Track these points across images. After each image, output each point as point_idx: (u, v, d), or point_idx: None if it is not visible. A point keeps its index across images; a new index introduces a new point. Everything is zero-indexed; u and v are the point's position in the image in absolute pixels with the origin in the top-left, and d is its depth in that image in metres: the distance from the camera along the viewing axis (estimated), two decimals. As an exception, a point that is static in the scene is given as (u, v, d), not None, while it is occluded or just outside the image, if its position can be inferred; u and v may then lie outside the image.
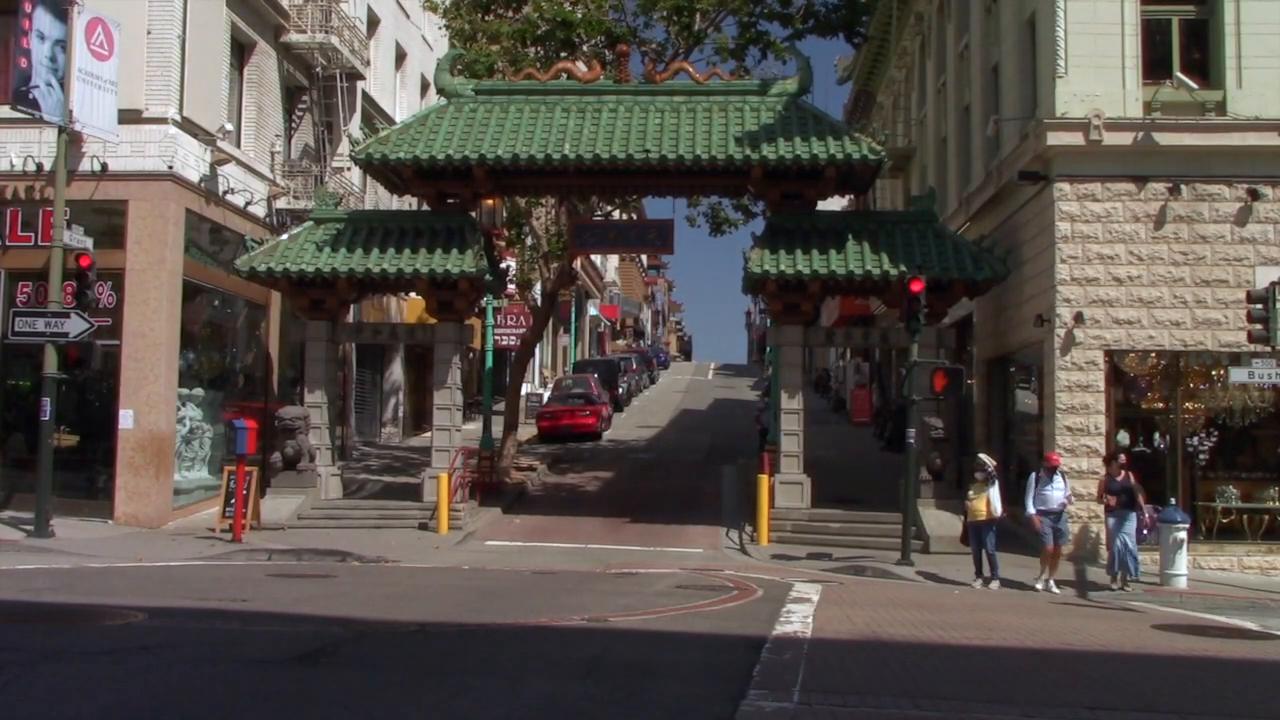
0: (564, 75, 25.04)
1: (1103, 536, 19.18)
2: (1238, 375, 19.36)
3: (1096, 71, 20.48)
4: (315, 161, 29.32)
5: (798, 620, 12.05)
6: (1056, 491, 18.15)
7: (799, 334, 24.03)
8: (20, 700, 7.89)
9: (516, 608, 13.22)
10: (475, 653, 10.24)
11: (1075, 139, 20.46)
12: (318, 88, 29.60)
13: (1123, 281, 20.55)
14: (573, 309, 57.83)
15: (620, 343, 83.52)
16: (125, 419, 22.08)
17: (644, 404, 53.38)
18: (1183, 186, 20.50)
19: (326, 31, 28.26)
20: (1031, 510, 18.15)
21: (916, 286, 20.48)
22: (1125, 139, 20.48)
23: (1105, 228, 20.66)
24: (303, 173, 28.45)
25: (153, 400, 22.19)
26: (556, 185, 26.27)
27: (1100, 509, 18.95)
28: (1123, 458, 18.75)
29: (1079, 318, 20.48)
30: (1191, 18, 21.07)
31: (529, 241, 33.52)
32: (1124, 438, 20.59)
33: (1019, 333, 23.04)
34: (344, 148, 29.02)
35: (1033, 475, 18.63)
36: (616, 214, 33.64)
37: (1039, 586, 17.81)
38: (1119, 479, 18.16)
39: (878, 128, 27.09)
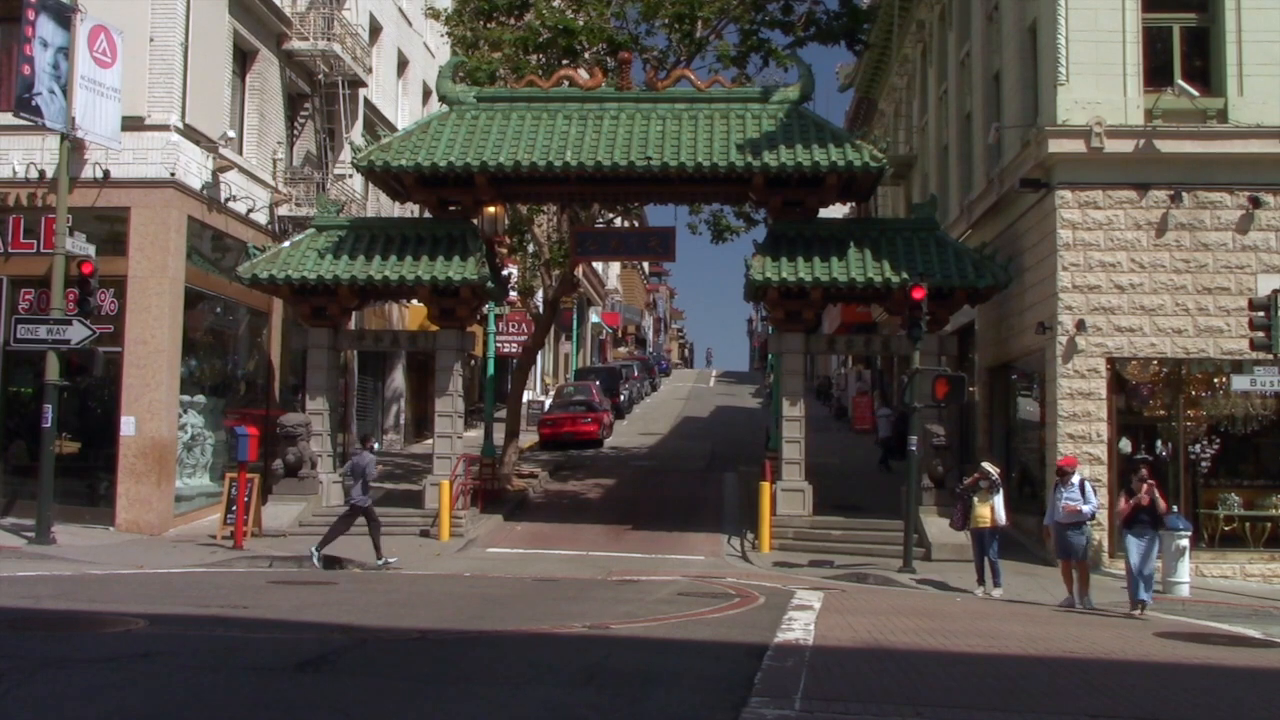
0: (566, 82, 25.08)
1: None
2: (1240, 383, 19.35)
3: (1098, 79, 20.49)
4: (317, 169, 29.34)
5: (799, 628, 12.04)
6: (1070, 501, 16.69)
7: (800, 341, 24.02)
8: (20, 707, 7.88)
9: (518, 615, 13.21)
10: (477, 660, 10.23)
11: (1077, 146, 20.47)
12: (320, 95, 29.64)
13: (1124, 289, 20.54)
14: (574, 316, 57.79)
15: (622, 350, 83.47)
16: (127, 426, 22.09)
17: (645, 411, 53.37)
18: (1184, 194, 20.50)
19: (329, 39, 28.30)
20: (1047, 521, 17.17)
21: (918, 294, 20.51)
22: (1127, 146, 20.49)
23: (1107, 235, 20.66)
24: (305, 180, 28.48)
25: (154, 407, 22.20)
26: (558, 193, 26.29)
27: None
28: (1144, 470, 17.01)
29: (1081, 325, 20.47)
30: (1193, 25, 21.10)
31: (531, 249, 33.53)
32: (1126, 445, 20.59)
33: (1021, 340, 23.04)
34: (346, 155, 29.03)
35: (1056, 484, 17.30)
36: (618, 221, 33.68)
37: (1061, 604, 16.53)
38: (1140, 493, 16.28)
39: (879, 135, 27.01)
